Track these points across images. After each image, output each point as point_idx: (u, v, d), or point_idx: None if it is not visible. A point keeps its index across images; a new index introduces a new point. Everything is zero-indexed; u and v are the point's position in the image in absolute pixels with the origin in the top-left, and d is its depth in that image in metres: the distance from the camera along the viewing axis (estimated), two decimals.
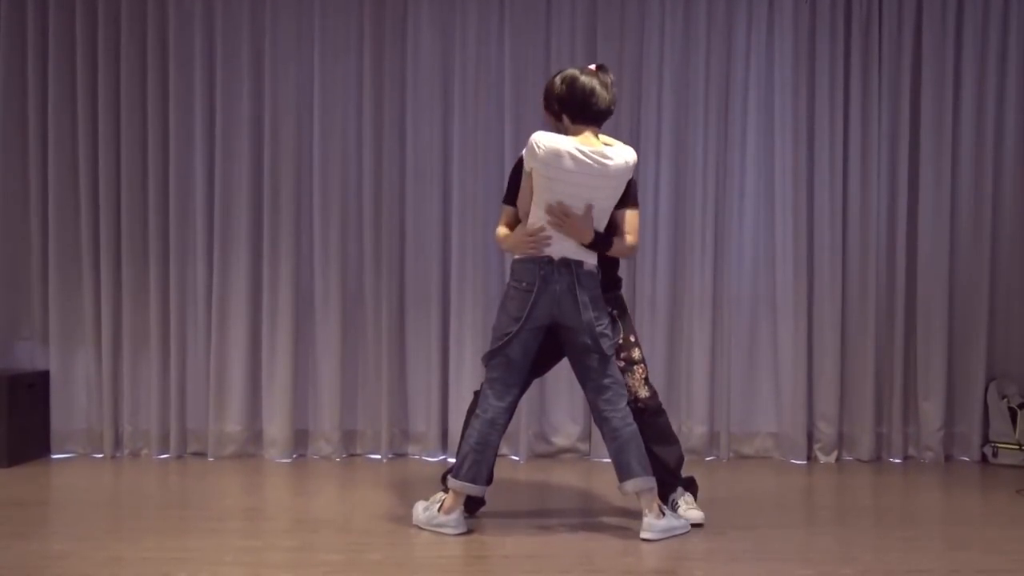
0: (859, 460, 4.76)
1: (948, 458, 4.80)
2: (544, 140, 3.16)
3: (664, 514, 3.29)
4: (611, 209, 3.29)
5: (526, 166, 3.21)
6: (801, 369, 4.73)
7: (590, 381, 3.31)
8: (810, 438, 4.79)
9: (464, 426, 3.49)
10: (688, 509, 3.46)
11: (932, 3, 4.75)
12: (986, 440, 4.77)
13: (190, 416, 4.72)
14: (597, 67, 3.28)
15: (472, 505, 3.45)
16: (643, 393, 3.43)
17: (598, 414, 3.33)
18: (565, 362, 3.46)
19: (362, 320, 4.72)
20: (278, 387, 4.66)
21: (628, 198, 3.36)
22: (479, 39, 4.72)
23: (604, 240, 3.31)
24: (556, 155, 3.14)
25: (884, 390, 4.80)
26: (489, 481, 3.37)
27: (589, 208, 3.22)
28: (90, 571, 2.87)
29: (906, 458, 4.80)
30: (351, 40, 4.72)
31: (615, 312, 3.46)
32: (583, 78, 3.22)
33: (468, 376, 4.63)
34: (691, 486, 3.57)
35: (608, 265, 3.42)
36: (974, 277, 4.79)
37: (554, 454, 4.77)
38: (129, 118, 4.65)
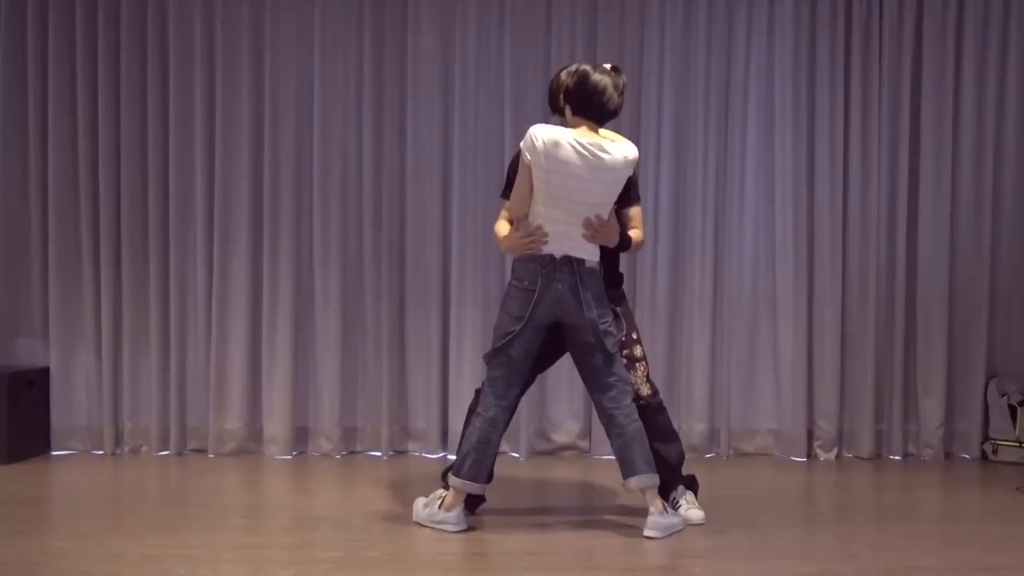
0: (859, 457, 4.76)
1: (948, 455, 4.80)
2: (542, 131, 3.15)
3: (667, 511, 3.29)
4: (611, 204, 3.27)
5: (524, 160, 3.19)
6: (801, 366, 4.74)
7: (595, 379, 3.30)
8: (810, 435, 4.79)
9: (465, 424, 3.49)
10: (689, 508, 3.46)
11: (932, 3, 4.75)
12: (986, 437, 4.78)
13: (190, 413, 4.73)
14: (612, 67, 3.26)
15: (472, 503, 3.45)
16: (645, 391, 3.43)
17: (603, 411, 3.32)
18: (565, 358, 3.47)
19: (362, 317, 4.73)
20: (278, 384, 4.67)
21: (632, 195, 3.37)
22: (479, 39, 4.72)
23: (626, 240, 3.34)
24: (555, 144, 3.12)
25: (884, 387, 4.80)
26: (489, 479, 3.36)
27: (613, 211, 3.25)
28: (90, 568, 2.87)
29: (906, 455, 4.80)
30: (351, 40, 4.72)
31: (618, 309, 3.46)
32: (596, 75, 3.20)
33: (468, 374, 4.64)
34: (692, 484, 3.57)
35: (609, 262, 3.42)
36: (974, 275, 4.79)
37: (554, 451, 4.78)
38: (129, 118, 4.66)
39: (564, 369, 3.82)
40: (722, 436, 4.77)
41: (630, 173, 3.27)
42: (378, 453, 4.72)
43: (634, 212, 3.41)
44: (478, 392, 3.48)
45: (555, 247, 3.21)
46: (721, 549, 3.14)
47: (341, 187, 4.72)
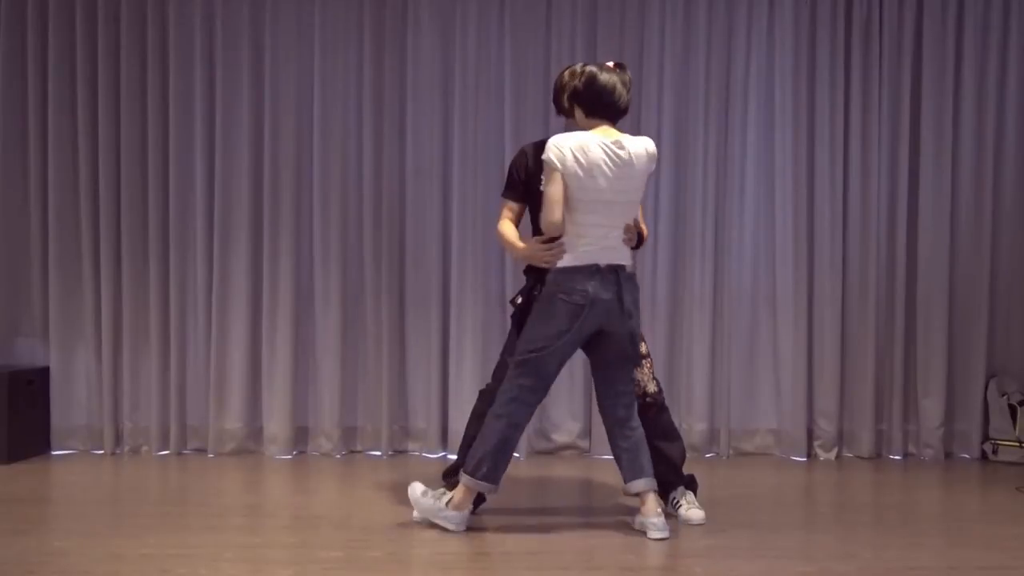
0: (859, 457, 4.76)
1: (948, 455, 4.80)
2: (565, 140, 3.13)
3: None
4: (639, 202, 3.26)
5: (552, 172, 3.12)
6: (801, 366, 4.74)
7: (612, 385, 3.28)
8: (810, 435, 4.79)
9: (469, 425, 3.48)
10: (690, 508, 3.46)
11: (932, 3, 4.76)
12: (986, 437, 4.78)
13: (190, 413, 4.73)
14: (616, 65, 3.26)
15: (475, 501, 3.46)
16: (651, 388, 3.43)
17: (614, 417, 3.30)
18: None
19: (362, 317, 4.73)
20: (278, 384, 4.67)
21: None
22: (479, 39, 4.72)
23: (641, 237, 3.35)
24: (584, 149, 3.10)
25: (884, 387, 4.80)
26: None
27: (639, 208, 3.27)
28: (90, 567, 2.87)
29: (906, 455, 4.80)
30: (351, 40, 4.73)
31: None
32: (604, 75, 3.19)
33: (468, 373, 4.64)
34: (691, 484, 3.57)
35: None
36: (974, 274, 4.79)
37: (554, 451, 4.78)
38: (129, 118, 4.66)
39: (564, 369, 3.80)
40: (722, 436, 4.77)
41: (653, 167, 3.25)
42: (378, 453, 4.72)
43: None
44: (483, 393, 3.47)
45: (598, 255, 3.17)
46: (721, 549, 3.14)
47: (341, 187, 4.72)
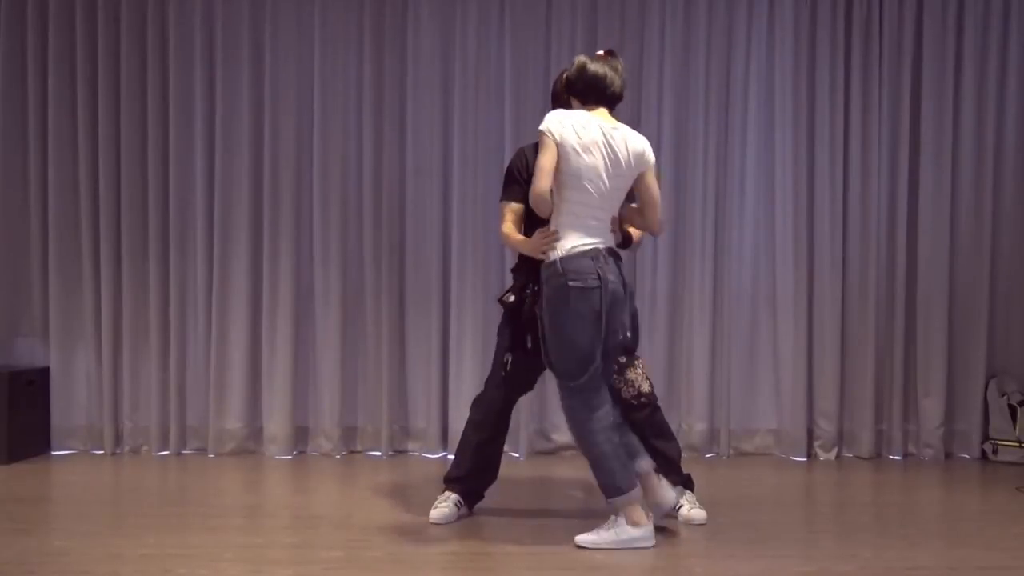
0: (859, 457, 4.76)
1: (948, 455, 4.81)
2: (566, 115, 3.08)
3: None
4: (625, 191, 3.19)
5: (547, 143, 3.03)
6: (801, 366, 4.74)
7: (604, 373, 3.18)
8: (810, 435, 4.79)
9: (464, 433, 3.51)
10: (691, 509, 3.46)
11: (932, 3, 4.76)
12: (986, 437, 4.78)
13: (190, 413, 4.73)
14: (606, 52, 3.24)
15: (471, 499, 3.47)
16: (645, 387, 3.42)
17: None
18: None
19: (362, 317, 4.73)
20: (278, 384, 4.67)
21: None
22: (479, 39, 4.72)
23: (629, 240, 3.37)
24: (583, 127, 3.06)
25: (884, 387, 4.80)
26: (495, 477, 3.42)
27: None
28: (90, 567, 2.87)
29: (906, 455, 4.80)
30: (351, 39, 4.73)
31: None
32: (593, 65, 3.17)
33: (468, 373, 4.64)
34: (688, 483, 3.57)
35: None
36: (974, 275, 4.79)
37: (554, 451, 4.77)
38: (129, 118, 4.66)
39: None
40: (722, 436, 4.77)
41: (644, 168, 3.19)
42: (378, 453, 4.72)
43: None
44: (476, 401, 3.51)
45: (598, 238, 3.10)
46: (721, 549, 3.14)
47: (341, 187, 4.72)
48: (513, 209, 3.35)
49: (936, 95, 4.76)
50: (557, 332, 3.07)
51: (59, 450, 4.70)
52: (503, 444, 3.56)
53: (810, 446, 4.79)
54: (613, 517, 3.14)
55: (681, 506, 3.47)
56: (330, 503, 3.75)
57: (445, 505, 3.44)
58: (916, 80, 4.79)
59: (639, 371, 3.42)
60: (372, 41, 4.71)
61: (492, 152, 4.70)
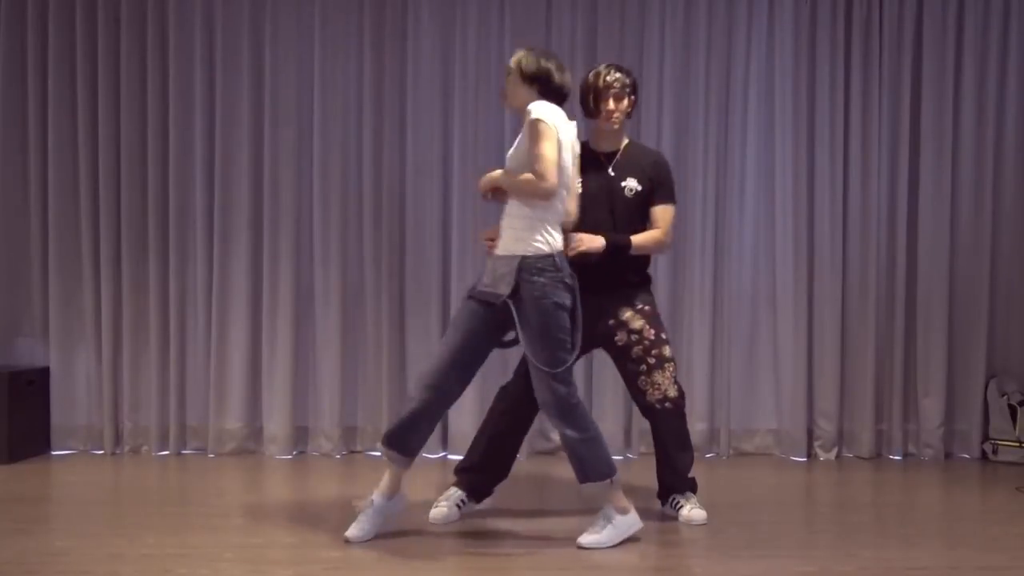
0: (859, 457, 4.76)
1: (948, 455, 4.81)
2: (552, 108, 3.06)
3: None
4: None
5: (548, 131, 2.99)
6: (801, 366, 4.74)
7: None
8: (810, 435, 4.79)
9: (486, 421, 3.49)
10: (692, 509, 3.46)
11: (932, 3, 4.76)
12: (986, 437, 4.78)
13: (190, 413, 4.73)
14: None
15: (477, 495, 3.47)
16: (672, 392, 3.39)
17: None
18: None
19: (362, 317, 4.73)
20: (278, 384, 4.67)
21: (662, 193, 3.44)
22: (479, 39, 4.72)
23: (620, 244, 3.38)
24: (564, 124, 3.10)
25: (884, 387, 4.80)
26: (504, 475, 3.48)
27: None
28: (90, 567, 2.87)
29: (906, 455, 4.80)
30: (351, 39, 4.73)
31: (646, 307, 3.42)
32: (543, 61, 3.14)
33: None
34: (692, 486, 3.57)
35: (638, 262, 3.45)
36: (974, 274, 4.79)
37: (554, 451, 4.77)
38: (129, 118, 4.66)
39: None
40: (722, 436, 4.77)
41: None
42: (378, 453, 4.72)
43: (659, 211, 3.43)
44: (502, 390, 3.49)
45: (561, 242, 3.15)
46: (721, 549, 3.14)
47: (341, 187, 4.72)
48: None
49: (936, 95, 4.76)
50: (551, 323, 3.05)
51: (59, 450, 4.71)
52: (519, 442, 3.53)
53: (810, 446, 4.79)
54: (603, 511, 3.16)
55: (682, 506, 3.47)
56: (330, 503, 3.74)
57: (445, 504, 3.44)
58: (916, 80, 4.79)
59: (667, 375, 3.38)
60: (372, 41, 4.71)
61: (492, 152, 4.69)
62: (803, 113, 4.75)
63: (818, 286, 4.76)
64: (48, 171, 4.68)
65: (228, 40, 4.68)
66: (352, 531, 3.15)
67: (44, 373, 4.69)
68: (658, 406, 3.38)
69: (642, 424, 4.69)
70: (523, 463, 4.56)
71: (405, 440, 3.15)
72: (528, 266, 3.04)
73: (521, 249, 3.06)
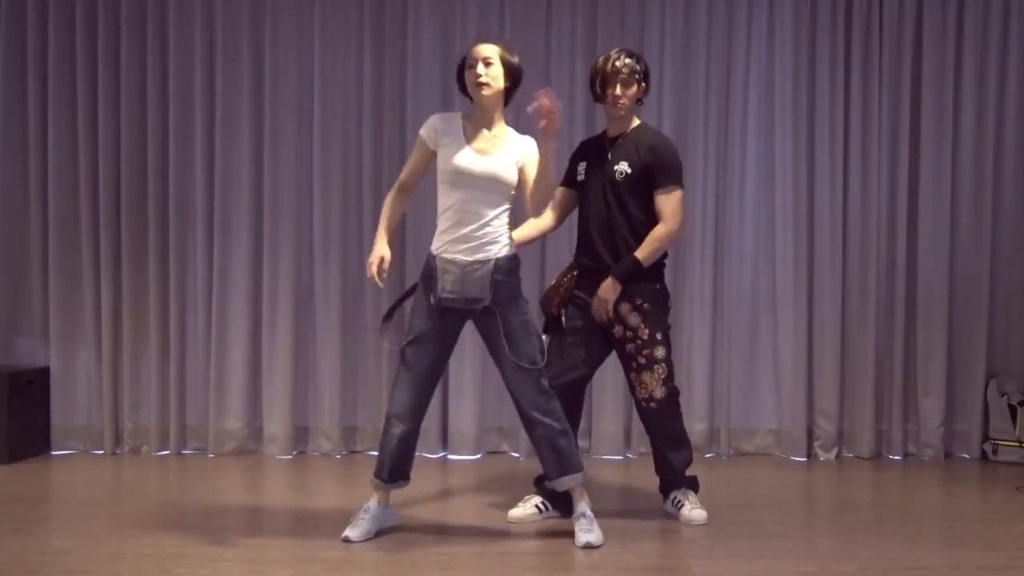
0: (859, 457, 4.76)
1: (948, 455, 4.81)
2: None
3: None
4: None
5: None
6: (801, 366, 4.74)
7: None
8: (810, 435, 4.79)
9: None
10: (692, 509, 3.46)
11: (932, 3, 4.76)
12: (986, 437, 4.78)
13: (190, 413, 4.74)
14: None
15: (556, 503, 3.47)
16: (658, 393, 3.37)
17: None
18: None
19: (362, 317, 4.73)
20: (278, 384, 4.67)
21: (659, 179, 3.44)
22: (479, 38, 4.71)
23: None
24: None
25: (884, 387, 4.80)
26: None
27: None
28: (90, 567, 2.88)
29: (906, 455, 4.80)
30: (351, 39, 4.73)
31: (645, 305, 3.37)
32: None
33: (468, 373, 4.64)
34: (693, 484, 3.57)
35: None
36: (974, 275, 4.79)
37: None
38: (129, 118, 4.66)
39: None
40: (722, 436, 4.77)
41: None
42: (377, 453, 4.71)
43: (661, 200, 3.36)
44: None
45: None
46: (721, 549, 3.14)
47: (341, 186, 4.72)
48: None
49: (936, 95, 4.76)
50: (528, 318, 3.17)
51: (59, 450, 4.70)
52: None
53: (810, 446, 4.79)
54: (582, 512, 3.19)
55: (682, 506, 3.47)
56: (330, 503, 3.74)
57: (521, 506, 3.50)
58: (916, 80, 4.79)
59: (656, 375, 3.36)
60: (372, 41, 4.71)
61: None
62: (803, 113, 4.75)
63: (818, 286, 4.76)
64: (48, 171, 4.68)
65: (228, 40, 4.68)
66: (351, 531, 3.17)
67: (44, 373, 4.68)
68: (643, 404, 3.40)
69: (642, 424, 4.71)
70: (522, 463, 4.56)
71: (402, 469, 3.29)
72: (501, 267, 3.12)
73: (494, 252, 3.12)
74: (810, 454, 4.78)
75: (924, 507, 3.88)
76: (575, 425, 3.42)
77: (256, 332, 4.72)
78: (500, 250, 3.13)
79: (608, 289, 3.30)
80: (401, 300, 3.39)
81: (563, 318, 3.44)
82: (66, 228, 4.68)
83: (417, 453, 4.66)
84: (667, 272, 4.69)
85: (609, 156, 3.40)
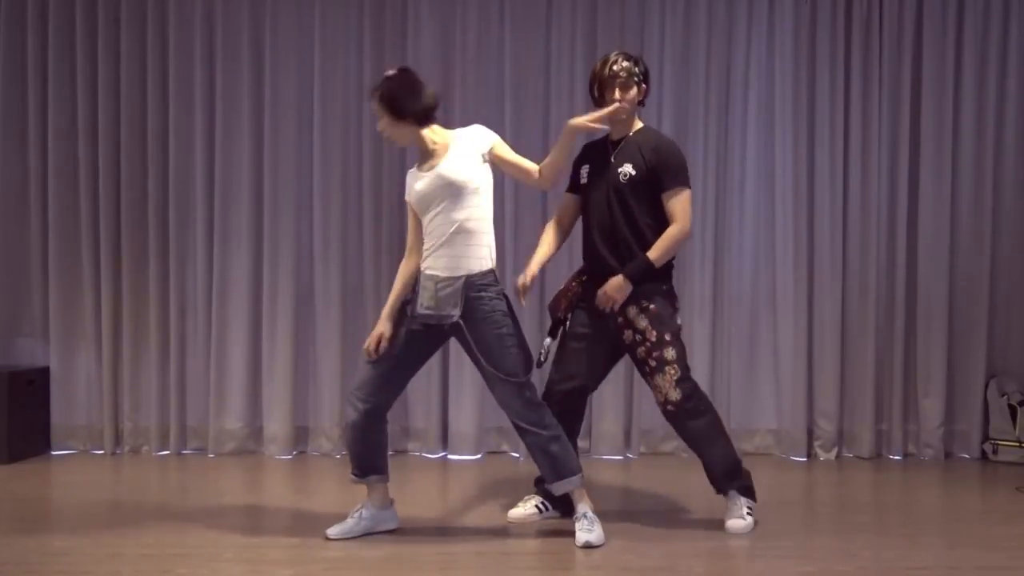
0: (859, 457, 4.76)
1: (948, 455, 4.80)
2: None
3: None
4: None
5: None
6: (801, 366, 4.74)
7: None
8: (810, 435, 4.79)
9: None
10: (731, 519, 3.35)
11: (932, 3, 4.75)
12: (986, 437, 4.78)
13: (190, 413, 4.74)
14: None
15: (555, 503, 3.46)
16: (674, 396, 3.28)
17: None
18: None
19: (362, 316, 4.72)
20: (278, 384, 4.67)
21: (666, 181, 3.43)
22: (479, 39, 4.72)
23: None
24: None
25: (884, 387, 4.80)
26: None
27: None
28: (90, 567, 2.88)
29: (906, 455, 4.80)
30: (351, 39, 4.73)
31: (652, 306, 3.32)
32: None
33: (468, 373, 4.63)
34: (744, 489, 3.42)
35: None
36: (974, 275, 4.79)
37: None
38: (129, 118, 4.67)
39: None
40: None
41: None
42: None
43: (670, 201, 3.34)
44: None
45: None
46: (721, 548, 3.14)
47: (341, 186, 4.72)
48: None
49: (936, 95, 4.76)
50: (504, 332, 3.13)
51: (59, 450, 4.71)
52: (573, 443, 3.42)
53: (810, 446, 4.79)
54: (583, 512, 3.18)
55: (728, 513, 3.37)
56: (330, 503, 3.74)
57: (522, 505, 3.49)
58: (916, 80, 4.79)
59: (668, 377, 3.28)
60: (372, 41, 4.71)
61: None
62: (803, 113, 4.75)
63: (818, 286, 4.76)
64: (48, 171, 4.68)
65: (228, 39, 4.68)
66: (333, 528, 3.20)
67: (44, 373, 4.69)
68: (662, 408, 3.35)
69: (642, 424, 4.72)
70: (522, 463, 4.56)
71: (370, 463, 3.24)
72: (472, 283, 3.11)
73: (465, 268, 3.11)
74: (810, 454, 4.78)
75: (924, 507, 3.88)
76: (575, 433, 3.42)
77: (256, 332, 4.72)
78: (473, 265, 3.12)
79: (617, 287, 3.27)
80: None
81: (567, 323, 3.42)
82: (66, 228, 4.69)
83: (417, 453, 4.76)
84: None
85: (612, 159, 3.38)
